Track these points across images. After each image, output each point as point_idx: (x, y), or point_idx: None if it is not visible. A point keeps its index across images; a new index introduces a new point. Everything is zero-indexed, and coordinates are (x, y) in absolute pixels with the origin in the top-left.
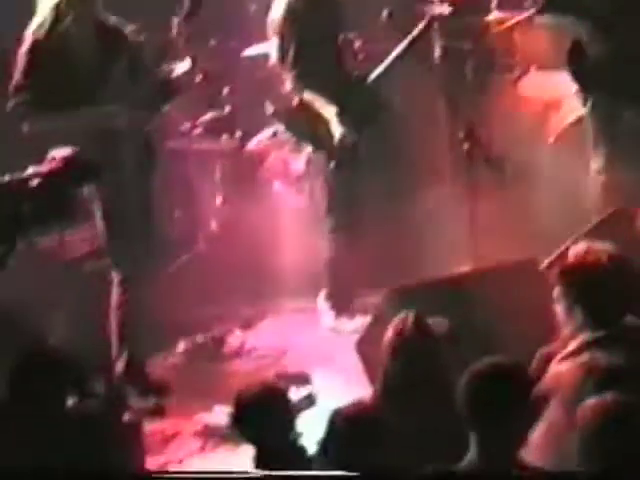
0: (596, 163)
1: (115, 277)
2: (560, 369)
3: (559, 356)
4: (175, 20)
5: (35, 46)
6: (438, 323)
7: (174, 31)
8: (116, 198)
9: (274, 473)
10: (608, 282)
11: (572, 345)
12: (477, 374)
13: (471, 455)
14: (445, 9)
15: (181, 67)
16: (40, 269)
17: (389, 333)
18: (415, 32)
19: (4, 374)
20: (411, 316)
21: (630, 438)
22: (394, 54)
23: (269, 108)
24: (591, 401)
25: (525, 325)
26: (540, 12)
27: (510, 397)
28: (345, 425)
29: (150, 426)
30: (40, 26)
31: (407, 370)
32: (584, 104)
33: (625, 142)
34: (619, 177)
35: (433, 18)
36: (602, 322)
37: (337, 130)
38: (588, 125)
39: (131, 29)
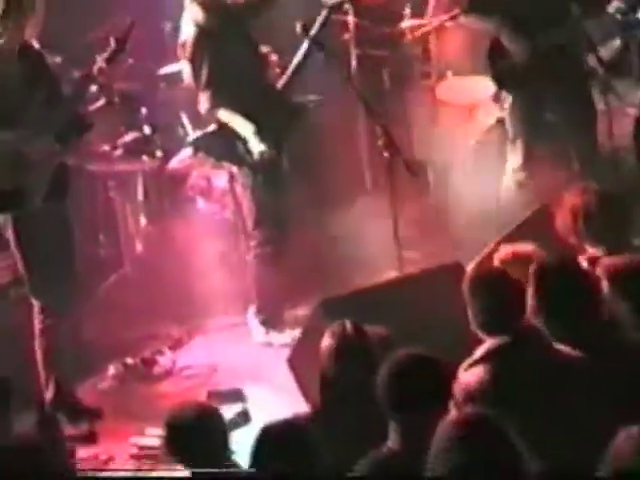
0: (514, 162)
1: (35, 305)
2: (466, 376)
3: (466, 363)
4: (98, 57)
5: None
6: (375, 330)
7: (95, 67)
8: (28, 226)
9: None
10: (505, 289)
11: (479, 352)
12: (395, 362)
13: (390, 442)
14: None
15: (98, 103)
16: None
17: (328, 340)
18: (315, 26)
19: None
20: (349, 322)
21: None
22: (299, 54)
23: (188, 130)
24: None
25: (451, 330)
26: (465, 13)
27: (425, 385)
28: (274, 442)
29: (83, 452)
30: None
31: (348, 376)
32: (503, 104)
33: (543, 140)
34: (536, 175)
35: (331, 9)
36: (502, 329)
37: (255, 148)
38: (508, 125)
39: (54, 60)
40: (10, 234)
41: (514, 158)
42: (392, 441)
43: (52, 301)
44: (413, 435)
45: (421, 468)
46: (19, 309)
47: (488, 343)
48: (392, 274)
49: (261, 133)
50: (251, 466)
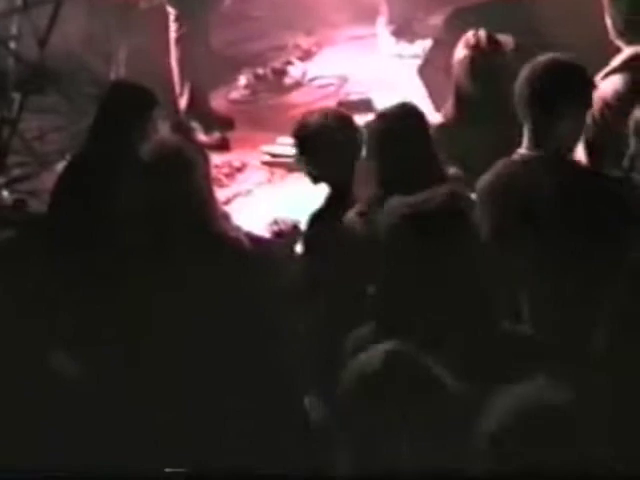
0: None
1: (171, 13)
2: (603, 85)
3: (603, 72)
4: None
5: None
6: (505, 39)
7: None
8: None
9: None
10: None
11: (616, 61)
12: (538, 64)
13: (522, 149)
14: None
15: None
16: (96, 10)
17: (462, 51)
18: None
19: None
20: (483, 32)
21: None
22: None
23: None
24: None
25: (587, 40)
26: None
27: (567, 88)
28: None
29: (217, 159)
30: None
31: (483, 84)
32: None
33: None
34: None
35: None
36: None
37: None
38: None
39: None
40: None
41: None
42: (524, 147)
43: (186, 8)
44: (546, 134)
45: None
46: (153, 19)
47: (627, 52)
48: None
49: None
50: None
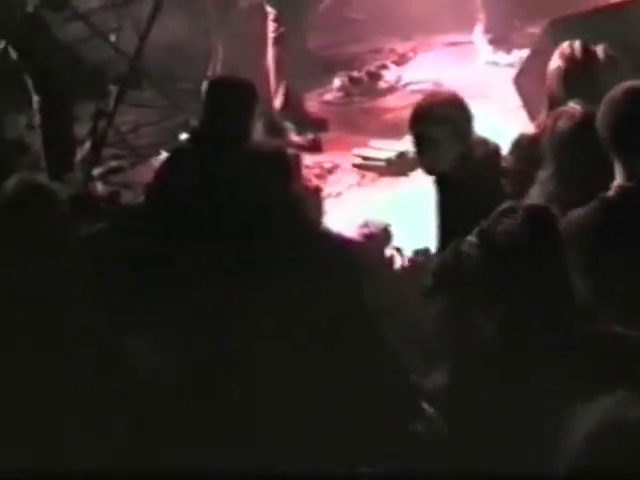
0: None
1: (270, 13)
2: None
3: None
4: None
5: None
6: (602, 50)
7: None
8: None
9: None
10: None
11: None
12: (619, 94)
13: (618, 180)
14: None
15: None
16: (196, 7)
17: (556, 61)
18: None
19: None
20: (578, 43)
21: None
22: None
23: None
24: None
25: None
26: None
27: None
28: None
29: (308, 160)
30: None
31: (575, 96)
32: None
33: None
34: None
35: None
36: None
37: None
38: None
39: None
40: None
41: None
42: (620, 179)
43: (285, 8)
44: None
45: None
46: (252, 18)
47: None
48: None
49: None
50: None
